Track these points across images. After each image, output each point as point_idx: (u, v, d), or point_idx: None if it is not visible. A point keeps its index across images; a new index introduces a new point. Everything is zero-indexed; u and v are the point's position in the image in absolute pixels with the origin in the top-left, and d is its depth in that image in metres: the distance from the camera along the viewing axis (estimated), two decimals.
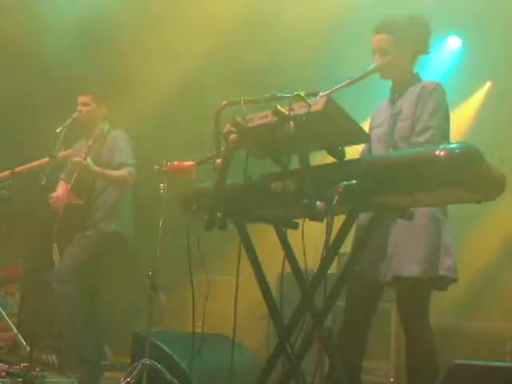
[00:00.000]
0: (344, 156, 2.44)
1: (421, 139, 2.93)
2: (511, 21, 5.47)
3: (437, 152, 2.11)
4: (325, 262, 2.47)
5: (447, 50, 6.49)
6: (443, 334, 4.57)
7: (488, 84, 6.88)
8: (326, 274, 2.47)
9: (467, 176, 2.12)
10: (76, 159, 4.50)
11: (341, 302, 2.92)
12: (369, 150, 3.22)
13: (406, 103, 3.09)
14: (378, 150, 3.14)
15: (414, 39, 3.12)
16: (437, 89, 3.03)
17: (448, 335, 4.82)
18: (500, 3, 5.39)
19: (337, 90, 2.83)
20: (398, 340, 4.82)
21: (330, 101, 2.35)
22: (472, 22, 5.76)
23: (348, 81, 2.95)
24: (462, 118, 6.71)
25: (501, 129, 6.27)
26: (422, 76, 3.20)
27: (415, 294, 2.95)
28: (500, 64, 6.10)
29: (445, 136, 3.00)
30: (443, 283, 2.99)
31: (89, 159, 4.49)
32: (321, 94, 2.54)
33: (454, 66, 6.43)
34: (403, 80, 3.17)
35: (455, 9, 5.39)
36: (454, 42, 6.50)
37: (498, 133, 6.23)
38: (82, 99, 4.79)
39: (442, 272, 2.90)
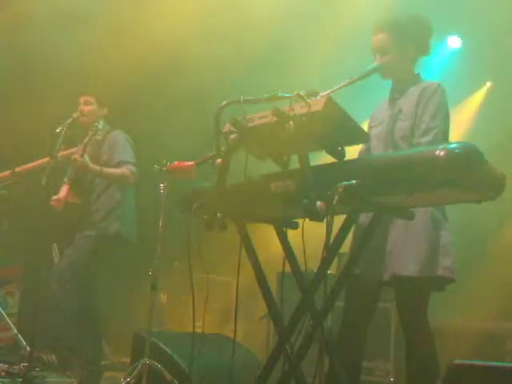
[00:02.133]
0: (344, 156, 2.45)
1: (424, 140, 2.92)
2: (511, 20, 5.47)
3: (436, 152, 2.11)
4: (325, 262, 2.47)
5: (447, 50, 6.49)
6: (443, 334, 4.57)
7: (488, 84, 6.87)
8: (326, 274, 2.48)
9: (467, 176, 2.12)
10: (73, 157, 4.50)
11: (340, 302, 2.92)
12: (367, 150, 3.22)
13: (406, 103, 3.08)
14: (377, 148, 3.14)
15: (416, 39, 3.11)
16: (438, 89, 3.03)
17: (448, 335, 4.82)
18: (500, 3, 5.38)
19: (337, 90, 2.83)
20: (398, 340, 4.81)
21: (329, 101, 2.35)
22: (472, 22, 5.76)
23: (348, 81, 2.94)
24: (461, 118, 6.70)
25: (501, 129, 6.26)
26: (422, 76, 3.20)
27: (414, 293, 2.94)
28: (500, 64, 6.09)
29: (445, 136, 3.00)
30: (441, 283, 2.98)
31: (86, 156, 4.49)
32: (321, 94, 2.54)
33: (454, 65, 6.42)
34: (404, 80, 3.16)
35: (455, 9, 5.39)
36: (453, 42, 6.49)
37: (498, 133, 6.22)
38: (85, 98, 4.80)
39: (440, 272, 2.89)
